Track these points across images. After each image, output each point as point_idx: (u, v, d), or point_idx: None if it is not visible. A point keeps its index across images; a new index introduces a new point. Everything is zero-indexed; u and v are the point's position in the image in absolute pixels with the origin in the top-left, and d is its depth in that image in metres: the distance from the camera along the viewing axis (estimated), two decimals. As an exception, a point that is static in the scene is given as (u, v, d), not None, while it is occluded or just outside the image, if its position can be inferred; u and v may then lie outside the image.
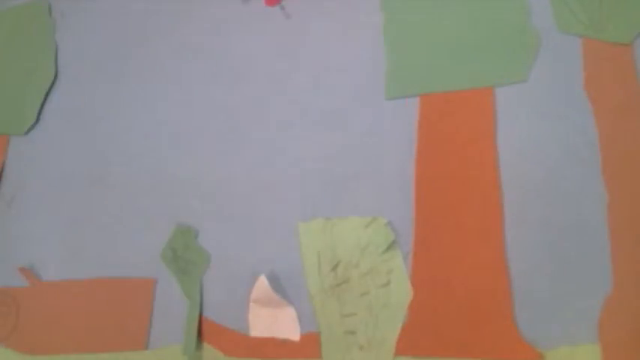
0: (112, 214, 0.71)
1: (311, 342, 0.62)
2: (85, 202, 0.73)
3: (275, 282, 0.64)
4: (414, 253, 0.63)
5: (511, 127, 0.65)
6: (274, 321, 0.63)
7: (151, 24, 0.80)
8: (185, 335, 0.64)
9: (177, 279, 0.67)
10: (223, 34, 0.77)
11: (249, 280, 0.64)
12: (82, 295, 0.69)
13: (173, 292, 0.66)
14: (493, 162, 0.64)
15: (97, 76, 0.79)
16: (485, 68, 0.68)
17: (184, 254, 0.67)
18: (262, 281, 0.63)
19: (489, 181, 0.63)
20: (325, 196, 0.66)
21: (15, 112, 0.79)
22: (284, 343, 0.63)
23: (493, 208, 0.63)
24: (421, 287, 0.61)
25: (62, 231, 0.73)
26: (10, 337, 0.69)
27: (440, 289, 0.61)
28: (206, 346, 0.64)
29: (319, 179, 0.67)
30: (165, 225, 0.69)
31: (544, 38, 0.68)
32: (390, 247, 0.63)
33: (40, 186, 0.74)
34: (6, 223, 0.76)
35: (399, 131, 0.67)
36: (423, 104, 0.68)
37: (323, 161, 0.68)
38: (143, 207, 0.71)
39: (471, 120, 0.66)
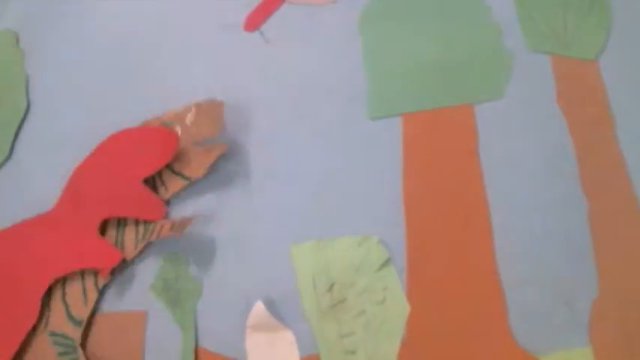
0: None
1: (311, 365, 0.61)
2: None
3: (270, 306, 0.63)
4: (407, 269, 0.64)
5: (492, 142, 0.68)
6: (272, 346, 0.62)
7: (127, 52, 0.80)
8: (182, 368, 0.63)
9: (170, 310, 0.65)
10: (202, 61, 0.77)
11: (244, 306, 0.64)
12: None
13: (165, 324, 0.64)
14: (478, 176, 0.66)
15: (72, 107, 0.77)
16: (462, 86, 0.71)
17: (176, 284, 0.66)
18: (259, 307, 0.63)
19: (475, 194, 0.66)
20: (316, 217, 0.67)
21: (-15, 148, 0.76)
22: (283, 368, 0.62)
23: (481, 220, 0.65)
24: (417, 302, 0.62)
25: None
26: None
27: (435, 303, 0.62)
28: (204, 376, 0.63)
29: (309, 201, 0.68)
30: (154, 254, 0.68)
31: (516, 56, 0.71)
32: (384, 264, 0.64)
33: (15, 220, 0.71)
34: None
35: (384, 150, 0.69)
36: (406, 123, 0.70)
37: (311, 183, 0.69)
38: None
39: (453, 136, 0.68)
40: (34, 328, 0.64)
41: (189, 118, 0.70)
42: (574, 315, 0.60)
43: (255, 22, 0.79)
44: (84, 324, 0.64)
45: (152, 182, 0.68)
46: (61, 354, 0.63)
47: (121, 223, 0.67)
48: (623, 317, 0.59)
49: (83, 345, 0.63)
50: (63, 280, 0.65)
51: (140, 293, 0.66)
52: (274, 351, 0.62)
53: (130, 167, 0.68)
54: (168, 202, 0.69)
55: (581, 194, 0.64)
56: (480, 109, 0.69)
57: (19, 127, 0.76)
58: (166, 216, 0.69)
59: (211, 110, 0.70)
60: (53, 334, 0.64)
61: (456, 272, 0.63)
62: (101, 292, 0.66)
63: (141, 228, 0.66)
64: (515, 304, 0.61)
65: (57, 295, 0.65)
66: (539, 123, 0.68)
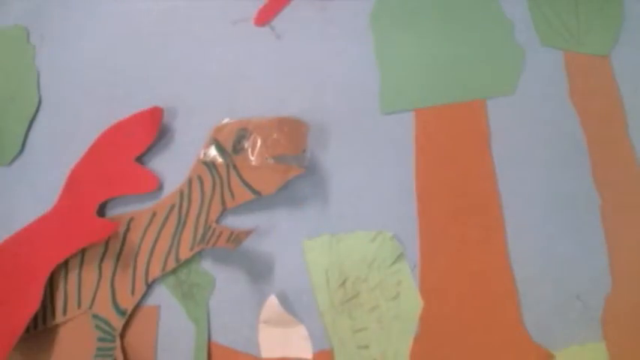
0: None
1: (324, 359, 0.61)
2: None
3: (284, 301, 0.63)
4: (420, 264, 0.64)
5: (504, 137, 0.68)
6: (285, 341, 0.62)
7: (137, 46, 0.80)
8: (195, 362, 0.63)
9: (182, 304, 0.65)
10: (214, 56, 0.77)
11: (257, 301, 0.64)
12: (79, 329, 0.66)
13: (178, 319, 0.64)
14: (490, 170, 0.66)
15: (83, 101, 0.77)
16: (475, 82, 0.71)
17: (188, 278, 0.66)
18: (272, 301, 0.63)
19: (488, 189, 0.66)
20: (329, 212, 0.67)
21: (-2, 143, 0.76)
22: (297, 363, 0.62)
23: (493, 215, 0.65)
24: (430, 297, 0.62)
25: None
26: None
27: (449, 299, 0.62)
28: (217, 371, 0.63)
29: (322, 195, 0.68)
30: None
31: (528, 52, 0.71)
32: (398, 259, 0.64)
33: (28, 216, 0.71)
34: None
35: (396, 145, 0.69)
36: (419, 118, 0.70)
37: (324, 177, 0.69)
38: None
39: (466, 132, 0.68)
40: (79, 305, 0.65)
41: (269, 132, 0.67)
42: (587, 310, 0.60)
43: (265, 16, 0.79)
44: (127, 315, 0.64)
45: (220, 190, 0.67)
46: (100, 339, 0.64)
47: (180, 223, 0.67)
48: (637, 312, 0.59)
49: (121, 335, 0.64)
50: (114, 264, 0.66)
51: (153, 288, 0.66)
52: (288, 345, 0.62)
53: (121, 150, 0.72)
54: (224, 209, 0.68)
55: (594, 189, 0.64)
56: (493, 104, 0.69)
57: (31, 122, 0.77)
58: (159, 187, 0.70)
59: (295, 129, 0.67)
60: (97, 317, 0.64)
61: (469, 267, 0.63)
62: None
63: (199, 231, 0.66)
64: (529, 300, 0.61)
65: (106, 277, 0.66)
66: (552, 118, 0.68)
